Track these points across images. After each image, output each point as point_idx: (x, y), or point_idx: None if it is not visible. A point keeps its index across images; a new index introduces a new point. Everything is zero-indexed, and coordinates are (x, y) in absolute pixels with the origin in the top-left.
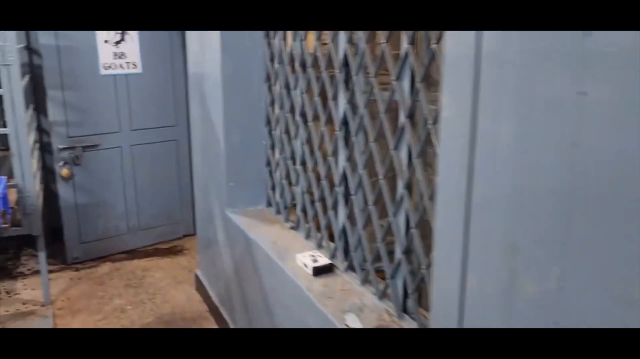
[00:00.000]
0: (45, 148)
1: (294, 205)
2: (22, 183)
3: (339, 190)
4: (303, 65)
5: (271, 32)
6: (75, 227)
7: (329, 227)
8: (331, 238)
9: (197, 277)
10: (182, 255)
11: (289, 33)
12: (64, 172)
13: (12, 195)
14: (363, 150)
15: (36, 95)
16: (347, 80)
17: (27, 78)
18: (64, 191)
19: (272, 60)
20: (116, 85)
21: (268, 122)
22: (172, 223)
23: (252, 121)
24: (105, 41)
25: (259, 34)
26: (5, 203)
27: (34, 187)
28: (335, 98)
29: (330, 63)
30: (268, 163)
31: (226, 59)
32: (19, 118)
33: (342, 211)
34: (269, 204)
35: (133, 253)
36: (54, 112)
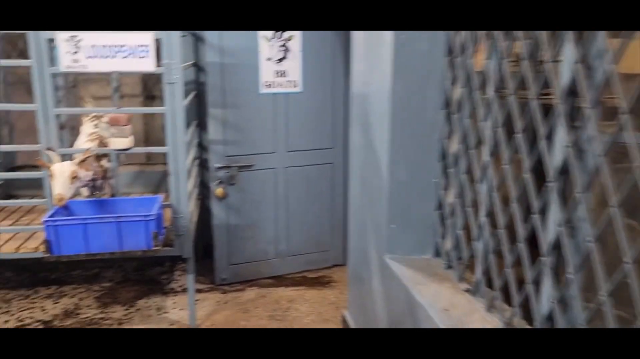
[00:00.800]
0: (204, 165)
1: (471, 258)
2: (177, 204)
3: (547, 260)
4: (500, 91)
5: (457, 49)
6: (225, 248)
7: (525, 304)
8: (527, 317)
9: (344, 319)
10: (330, 288)
11: (483, 48)
12: (219, 191)
13: (167, 214)
14: (593, 213)
15: (200, 112)
16: (573, 114)
17: (192, 95)
18: (217, 210)
19: (454, 83)
20: (275, 105)
21: (443, 157)
22: (322, 251)
23: (423, 154)
24: (268, 59)
25: (440, 52)
26: (160, 225)
27: (188, 209)
28: (549, 137)
29: (545, 90)
30: (439, 206)
31: (398, 80)
32: (179, 137)
33: (549, 289)
34: (437, 254)
35: (280, 280)
36: (213, 130)
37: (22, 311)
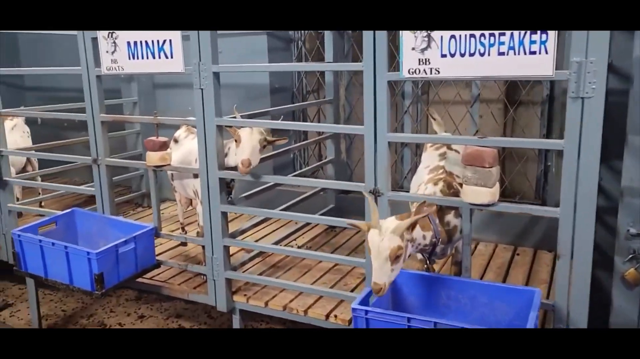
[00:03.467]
0: (599, 218)
1: None
2: (566, 307)
3: None
4: None
5: None
6: None
7: None
8: None
9: None
10: None
11: None
12: (630, 273)
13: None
14: None
15: (606, 137)
16: None
17: None
18: (621, 301)
19: None
20: None
21: None
22: None
23: None
24: None
25: None
26: None
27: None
28: None
29: None
30: None
31: None
32: (585, 192)
33: None
34: None
35: None
36: (632, 171)
37: None
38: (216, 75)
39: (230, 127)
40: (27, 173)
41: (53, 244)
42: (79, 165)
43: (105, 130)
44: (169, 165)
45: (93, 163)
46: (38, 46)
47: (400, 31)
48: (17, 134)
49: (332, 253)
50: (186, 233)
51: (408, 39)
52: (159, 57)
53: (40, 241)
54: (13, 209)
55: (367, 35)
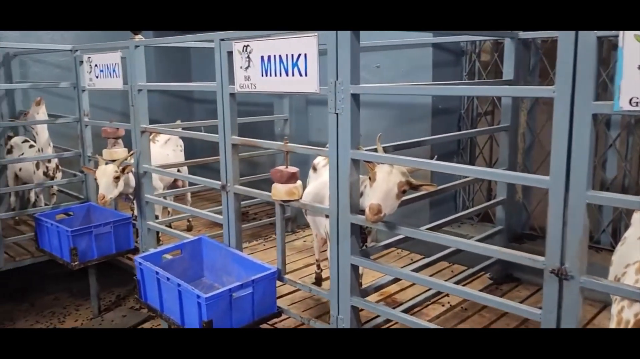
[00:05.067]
0: None
1: None
2: None
3: None
4: None
5: None
6: None
7: None
8: None
9: None
10: None
11: None
12: None
13: None
14: None
15: None
16: None
17: None
18: None
19: None
20: None
21: None
22: None
23: None
24: None
25: None
26: None
27: None
28: None
29: None
30: None
31: None
32: None
33: None
34: None
35: None
36: None
37: None
38: (355, 97)
39: (369, 162)
40: (177, 189)
41: (168, 279)
42: None
43: (235, 153)
44: (297, 200)
45: (222, 189)
46: (206, 60)
47: (620, 33)
48: (170, 148)
49: (495, 321)
50: (321, 271)
51: (632, 48)
52: (292, 75)
53: (157, 273)
54: (152, 228)
55: (563, 39)
